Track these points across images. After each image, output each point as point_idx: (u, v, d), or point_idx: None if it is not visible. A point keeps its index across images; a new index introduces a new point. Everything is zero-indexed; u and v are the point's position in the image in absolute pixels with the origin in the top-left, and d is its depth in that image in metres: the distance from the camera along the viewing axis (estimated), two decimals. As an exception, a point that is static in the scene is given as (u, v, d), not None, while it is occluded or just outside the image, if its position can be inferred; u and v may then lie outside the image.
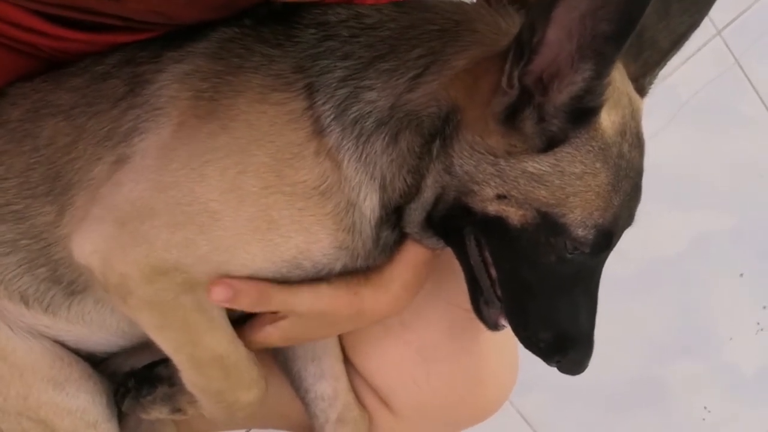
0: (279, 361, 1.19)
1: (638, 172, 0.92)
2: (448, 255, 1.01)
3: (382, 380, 1.19)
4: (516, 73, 0.82)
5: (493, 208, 0.89)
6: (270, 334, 1.02)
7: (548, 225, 0.88)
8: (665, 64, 0.99)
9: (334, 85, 0.91)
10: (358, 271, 1.01)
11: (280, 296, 0.97)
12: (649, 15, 0.79)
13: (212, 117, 0.92)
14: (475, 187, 0.89)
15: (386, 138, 0.91)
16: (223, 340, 0.97)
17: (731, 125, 2.13)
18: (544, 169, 0.87)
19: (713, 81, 2.11)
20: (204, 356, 0.96)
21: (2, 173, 1.01)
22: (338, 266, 0.97)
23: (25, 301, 1.02)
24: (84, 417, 1.05)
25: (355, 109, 0.90)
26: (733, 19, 2.12)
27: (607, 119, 0.87)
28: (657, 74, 1.00)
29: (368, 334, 1.18)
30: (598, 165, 0.87)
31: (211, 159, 0.91)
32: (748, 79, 2.15)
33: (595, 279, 0.95)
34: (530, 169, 0.87)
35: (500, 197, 0.89)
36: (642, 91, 0.98)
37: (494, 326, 0.99)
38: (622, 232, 0.93)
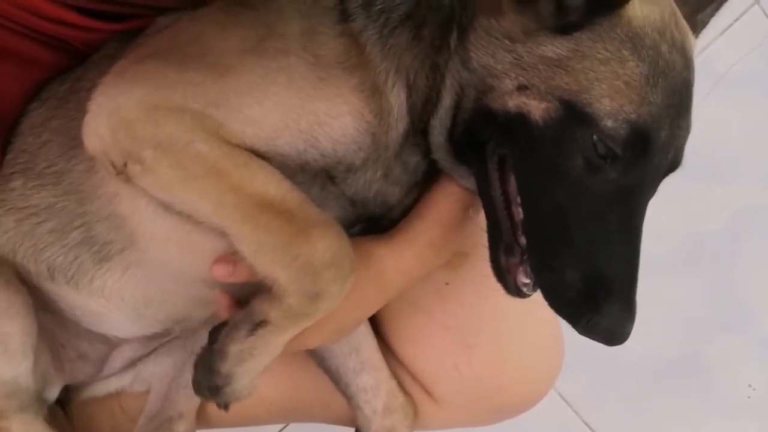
0: (316, 359, 1.18)
1: (683, 82, 0.88)
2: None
3: (424, 367, 1.19)
4: None
5: (513, 102, 0.87)
6: (307, 334, 0.97)
7: (573, 116, 0.85)
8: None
9: None
10: (379, 223, 1.01)
11: None
12: None
13: (242, 4, 0.96)
14: (494, 82, 0.89)
15: (411, 32, 0.94)
16: (267, 181, 0.89)
17: (770, 97, 2.09)
18: (563, 53, 0.86)
19: (751, 52, 2.06)
20: (252, 203, 0.88)
21: (47, 138, 1.03)
22: (358, 159, 0.95)
23: (51, 273, 1.03)
24: None
25: (381, 1, 0.94)
26: (771, -12, 2.07)
27: (639, 11, 0.86)
28: (712, 13, 0.99)
29: (409, 320, 1.18)
30: (625, 53, 0.85)
31: (233, 27, 0.94)
32: (788, 49, 2.10)
33: (634, 218, 0.87)
34: (549, 53, 0.86)
35: (521, 88, 0.87)
36: (694, 27, 0.96)
37: (514, 287, 0.92)
38: (665, 152, 0.87)
